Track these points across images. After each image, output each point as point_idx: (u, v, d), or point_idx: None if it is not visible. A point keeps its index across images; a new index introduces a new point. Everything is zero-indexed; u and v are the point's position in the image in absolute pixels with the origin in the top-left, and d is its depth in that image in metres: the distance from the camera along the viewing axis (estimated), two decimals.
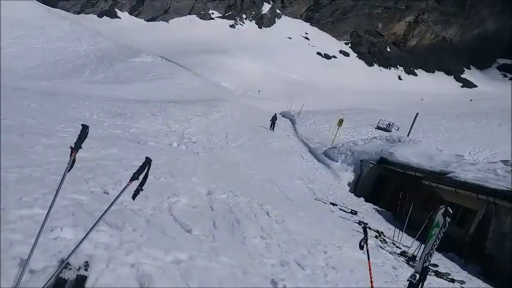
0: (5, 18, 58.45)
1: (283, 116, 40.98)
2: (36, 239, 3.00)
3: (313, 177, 17.26)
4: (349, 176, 19.85)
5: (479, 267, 11.24)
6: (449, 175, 15.07)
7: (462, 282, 8.49)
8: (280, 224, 7.48)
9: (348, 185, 19.34)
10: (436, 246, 3.78)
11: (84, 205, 5.25)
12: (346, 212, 12.33)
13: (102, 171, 7.45)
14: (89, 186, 6.23)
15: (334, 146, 23.78)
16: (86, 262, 3.60)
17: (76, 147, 3.09)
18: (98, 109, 17.32)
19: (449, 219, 3.73)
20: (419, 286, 3.69)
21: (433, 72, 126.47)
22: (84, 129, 3.11)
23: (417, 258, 8.66)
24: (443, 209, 3.80)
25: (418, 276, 3.71)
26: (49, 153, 7.52)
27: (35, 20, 64.55)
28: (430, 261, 3.83)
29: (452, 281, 8.26)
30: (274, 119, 30.31)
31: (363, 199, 17.23)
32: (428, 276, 6.32)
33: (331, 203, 12.80)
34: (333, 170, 20.13)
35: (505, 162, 15.75)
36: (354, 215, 12.23)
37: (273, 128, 29.93)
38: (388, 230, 11.94)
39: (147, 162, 3.19)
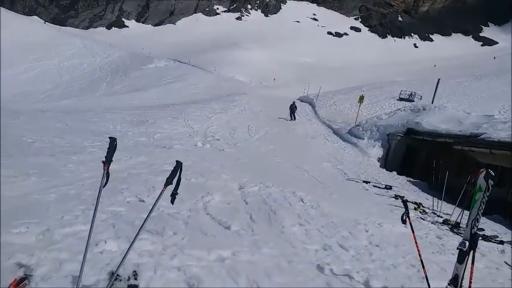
0: (18, 43, 60.04)
1: (302, 100, 40.59)
2: (84, 255, 3.06)
3: (341, 158, 17.08)
4: (377, 151, 19.53)
5: None
6: (481, 137, 14.61)
7: None
8: (316, 208, 7.42)
9: (378, 160, 19.04)
10: (482, 210, 3.65)
11: (123, 216, 5.34)
12: (380, 188, 12.15)
13: (134, 180, 7.56)
14: (124, 196, 6.34)
15: (358, 124, 23.42)
16: (134, 271, 3.66)
17: (107, 161, 3.13)
18: (120, 120, 17.61)
19: (492, 182, 3.59)
20: (471, 253, 3.58)
21: (450, 35, 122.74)
22: (112, 141, 3.14)
23: (461, 225, 8.46)
24: (484, 172, 3.65)
25: (467, 243, 3.60)
26: (81, 169, 7.68)
27: (47, 41, 66.04)
28: (477, 227, 3.71)
29: (501, 242, 8.02)
30: (293, 108, 27.71)
31: (395, 173, 16.93)
32: None
33: (363, 181, 12.63)
34: (361, 148, 19.85)
35: None
36: (389, 190, 12.04)
37: (294, 117, 27.29)
38: (426, 200, 11.70)
39: (178, 165, 3.20)
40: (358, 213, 7.53)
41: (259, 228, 5.86)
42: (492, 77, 43.39)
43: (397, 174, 16.76)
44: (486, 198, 3.67)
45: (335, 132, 23.90)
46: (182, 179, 8.22)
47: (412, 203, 10.32)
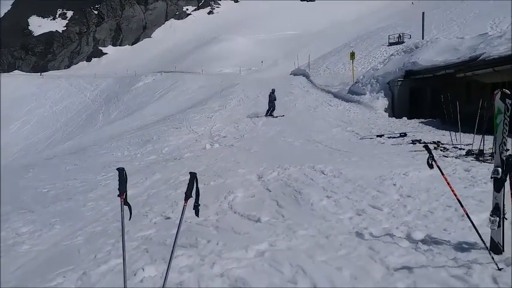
0: (8, 101, 60.41)
1: (295, 74, 40.21)
2: None
3: (349, 120, 16.91)
4: (382, 102, 19.29)
5: None
6: (481, 58, 14.29)
7: None
8: (339, 177, 7.33)
9: (385, 111, 18.82)
10: (506, 133, 3.53)
11: (153, 238, 5.33)
12: (395, 137, 12.00)
13: (155, 200, 7.56)
14: (149, 218, 6.33)
15: (356, 81, 23.13)
16: None
17: (121, 191, 3.08)
18: (126, 145, 17.65)
19: (510, 101, 3.45)
20: (507, 178, 3.47)
21: None
22: (121, 172, 3.08)
23: (485, 152, 8.30)
24: (499, 92, 3.52)
25: (500, 170, 3.49)
26: (101, 204, 7.70)
27: (34, 91, 66.35)
28: (506, 150, 3.59)
29: None
30: (272, 98, 20.72)
31: (405, 118, 16.72)
32: None
33: (377, 136, 12.48)
34: (365, 104, 19.63)
35: None
36: (405, 137, 11.87)
37: (272, 111, 20.53)
38: (443, 136, 11.53)
39: (193, 177, 3.14)
40: (381, 170, 7.42)
41: (289, 212, 5.80)
42: None
43: (408, 119, 16.56)
44: (508, 119, 3.54)
45: (336, 96, 23.65)
46: (201, 185, 8.16)
47: (431, 143, 10.17)
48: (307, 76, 35.31)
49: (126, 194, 3.13)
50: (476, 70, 13.99)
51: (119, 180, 3.09)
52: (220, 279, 3.83)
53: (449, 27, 34.57)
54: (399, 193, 5.99)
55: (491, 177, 3.59)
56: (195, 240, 4.93)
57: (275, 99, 20.80)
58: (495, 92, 3.52)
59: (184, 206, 3.18)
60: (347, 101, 21.43)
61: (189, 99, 37.45)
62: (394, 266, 3.70)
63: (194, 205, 3.23)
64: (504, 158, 3.46)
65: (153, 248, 4.90)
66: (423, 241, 4.16)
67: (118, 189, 3.09)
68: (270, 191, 7.15)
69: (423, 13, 31.20)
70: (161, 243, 5.02)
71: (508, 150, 8.32)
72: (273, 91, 21.14)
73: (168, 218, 6.23)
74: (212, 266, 4.09)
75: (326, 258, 4.04)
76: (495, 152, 3.59)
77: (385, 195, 5.95)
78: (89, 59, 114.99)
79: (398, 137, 12.08)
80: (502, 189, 3.50)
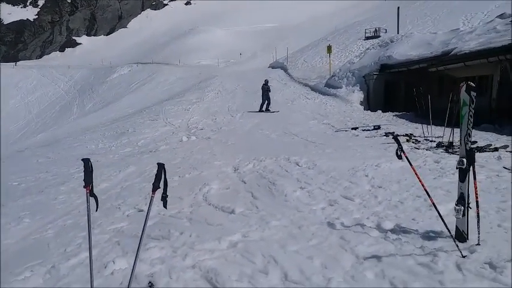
0: None
1: (273, 67, 40.25)
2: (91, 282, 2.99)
3: (325, 113, 17.06)
4: (358, 96, 19.55)
5: None
6: (452, 52, 14.63)
7: (505, 146, 8.34)
8: (313, 168, 7.40)
9: (361, 104, 19.08)
10: (471, 124, 3.63)
11: (125, 231, 5.27)
12: (369, 130, 12.18)
13: (129, 193, 7.46)
14: (122, 211, 6.25)
15: (333, 75, 23.33)
16: (150, 282, 3.61)
17: (87, 183, 3.02)
18: (101, 137, 17.33)
19: (474, 94, 3.55)
20: (471, 169, 3.57)
21: None
22: (87, 163, 3.03)
23: (454, 144, 8.53)
24: (464, 85, 3.60)
25: (465, 160, 3.59)
26: (73, 197, 7.56)
27: (5, 81, 64.13)
28: (470, 142, 3.69)
29: (496, 149, 8.12)
30: (266, 90, 19.23)
31: (380, 111, 17.01)
32: None
33: (352, 128, 12.65)
34: (341, 97, 19.84)
35: (500, 16, 15.15)
36: (378, 130, 12.07)
37: (267, 105, 19.22)
38: (416, 129, 11.78)
39: (160, 168, 3.11)
40: (354, 161, 7.54)
41: (263, 204, 5.83)
42: None
43: (382, 112, 16.85)
44: (472, 111, 3.64)
45: (313, 89, 23.82)
46: (176, 178, 8.08)
47: (403, 135, 10.38)
48: (285, 69, 35.41)
49: (92, 186, 3.08)
50: (448, 65, 14.32)
51: (84, 172, 3.03)
52: (192, 270, 3.82)
53: (424, 22, 35.21)
54: (371, 184, 6.10)
55: (457, 168, 3.69)
56: (167, 232, 4.90)
57: (269, 91, 19.29)
58: (461, 85, 3.60)
59: (152, 197, 3.16)
60: (324, 94, 21.61)
61: (166, 91, 37.03)
62: (364, 255, 3.77)
63: (162, 196, 3.21)
64: (468, 149, 3.56)
65: (124, 240, 4.85)
66: (392, 230, 4.26)
67: (84, 180, 3.04)
68: (245, 183, 7.16)
69: (398, 8, 31.66)
70: (133, 236, 4.96)
71: (476, 142, 8.57)
72: (266, 82, 19.68)
73: (141, 210, 6.17)
74: (184, 258, 4.08)
75: (298, 248, 4.08)
76: (460, 143, 3.68)
77: (357, 186, 6.04)
78: (62, 49, 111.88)
79: (372, 129, 12.27)
80: (466, 179, 3.61)
